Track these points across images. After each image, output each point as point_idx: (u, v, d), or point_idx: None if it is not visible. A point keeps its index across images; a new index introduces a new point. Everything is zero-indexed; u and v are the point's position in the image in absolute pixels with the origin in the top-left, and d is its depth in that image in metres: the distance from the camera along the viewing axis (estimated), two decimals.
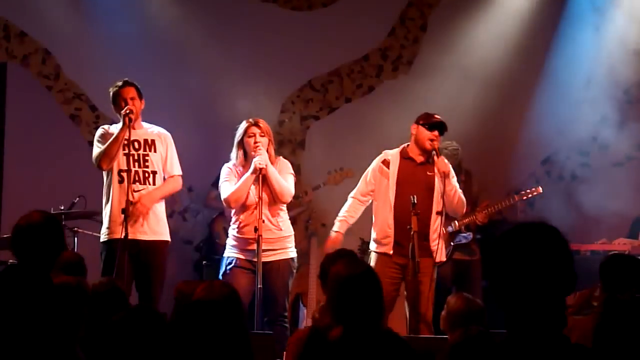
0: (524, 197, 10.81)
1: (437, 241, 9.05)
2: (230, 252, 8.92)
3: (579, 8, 11.80)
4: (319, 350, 5.41)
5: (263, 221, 8.70)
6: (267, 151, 8.84)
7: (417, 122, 9.15)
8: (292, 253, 8.96)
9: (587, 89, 11.70)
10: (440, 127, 9.07)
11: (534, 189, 10.84)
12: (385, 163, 9.17)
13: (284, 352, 6.28)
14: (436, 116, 9.15)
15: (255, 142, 8.77)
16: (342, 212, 9.26)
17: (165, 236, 8.98)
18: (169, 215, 9.17)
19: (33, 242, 5.71)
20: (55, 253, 5.82)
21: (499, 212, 10.71)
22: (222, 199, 8.95)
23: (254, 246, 8.70)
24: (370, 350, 5.18)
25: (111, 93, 8.98)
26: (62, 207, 10.16)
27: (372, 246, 9.11)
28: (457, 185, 9.21)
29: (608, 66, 11.71)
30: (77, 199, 10.11)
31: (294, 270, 9.07)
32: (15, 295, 4.66)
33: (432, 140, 9.04)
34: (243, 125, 8.92)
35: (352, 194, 9.28)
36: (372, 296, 5.36)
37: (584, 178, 11.85)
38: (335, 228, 9.22)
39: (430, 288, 9.00)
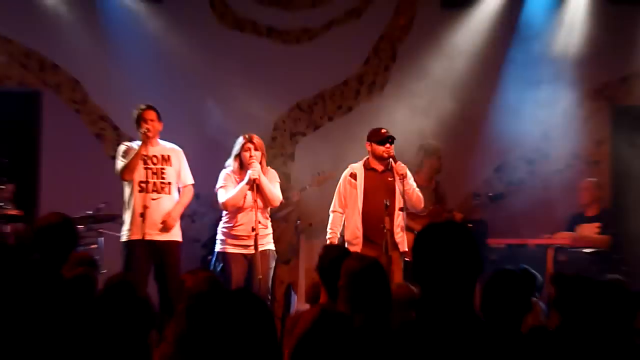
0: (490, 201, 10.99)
1: (400, 233, 9.04)
2: (224, 247, 8.97)
3: (527, 32, 11.72)
4: (331, 331, 5.37)
5: (259, 222, 8.77)
6: (260, 163, 8.89)
7: (369, 140, 9.21)
8: (272, 245, 9.02)
9: (533, 107, 11.62)
10: (388, 139, 9.09)
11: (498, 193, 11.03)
12: (352, 176, 9.17)
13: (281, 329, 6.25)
14: (382, 131, 9.17)
15: (250, 157, 8.83)
16: (329, 226, 9.20)
17: (178, 237, 9.04)
18: (180, 219, 9.20)
19: (51, 238, 5.71)
20: (70, 247, 5.85)
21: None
22: (219, 202, 8.97)
23: (247, 241, 8.81)
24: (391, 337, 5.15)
25: (135, 114, 9.01)
26: (89, 212, 10.21)
27: (345, 245, 8.97)
28: (414, 184, 9.18)
29: (550, 86, 11.66)
30: (102, 204, 10.13)
31: (275, 258, 9.12)
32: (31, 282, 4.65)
33: (385, 151, 9.07)
34: (240, 140, 8.99)
35: (332, 208, 9.23)
36: (385, 283, 5.40)
37: (530, 183, 11.84)
38: (329, 236, 9.14)
39: (400, 277, 8.90)
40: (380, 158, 9.12)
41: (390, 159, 9.07)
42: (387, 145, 9.07)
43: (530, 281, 6.05)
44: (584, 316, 5.41)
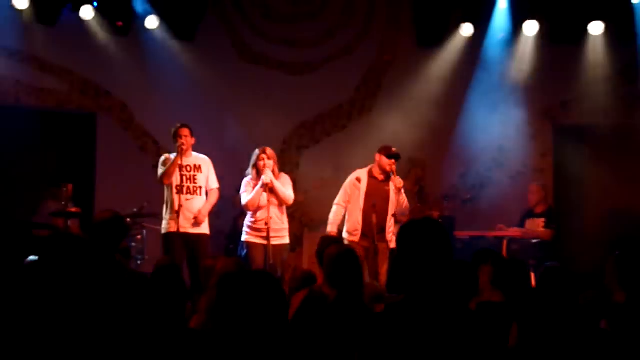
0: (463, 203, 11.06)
1: (390, 235, 8.98)
2: (247, 237, 8.94)
3: (486, 64, 11.70)
4: (316, 307, 5.40)
5: (271, 218, 8.75)
6: (273, 170, 8.87)
7: (379, 152, 9.11)
8: (287, 239, 9.01)
9: (491, 124, 11.60)
10: (395, 156, 9.07)
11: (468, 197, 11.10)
12: (358, 180, 9.09)
13: None
14: (393, 149, 9.10)
15: (264, 165, 8.87)
16: (331, 216, 9.13)
17: (207, 230, 9.01)
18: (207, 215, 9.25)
19: (105, 231, 5.66)
20: (120, 238, 5.80)
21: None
22: (242, 204, 9.00)
23: (264, 233, 8.76)
24: (359, 307, 5.19)
25: (172, 131, 9.06)
26: (135, 210, 10.32)
27: (345, 235, 9.01)
28: (405, 196, 9.14)
29: (505, 108, 11.68)
30: (145, 203, 10.17)
31: (288, 250, 9.13)
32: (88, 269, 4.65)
33: (390, 165, 9.06)
34: (256, 152, 8.96)
35: (336, 201, 9.17)
36: (355, 266, 5.40)
37: (488, 186, 11.76)
38: (329, 229, 9.05)
39: (385, 264, 8.97)
40: (384, 169, 9.07)
41: (391, 173, 9.04)
42: (393, 160, 9.07)
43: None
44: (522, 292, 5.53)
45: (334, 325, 4.93)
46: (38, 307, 3.66)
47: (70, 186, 10.35)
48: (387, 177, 9.09)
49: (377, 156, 9.14)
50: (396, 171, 9.07)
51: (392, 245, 9.00)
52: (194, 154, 9.08)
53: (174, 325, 4.40)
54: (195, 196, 8.97)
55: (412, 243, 3.46)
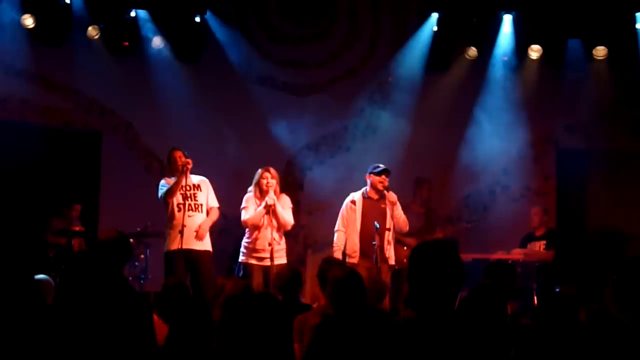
0: (468, 225, 11.03)
1: (389, 248, 9.02)
2: (245, 258, 9.01)
3: (491, 88, 11.74)
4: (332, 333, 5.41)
5: (274, 239, 8.85)
6: (275, 190, 8.99)
7: (369, 173, 9.21)
8: (285, 259, 9.04)
9: (495, 148, 11.61)
10: (384, 172, 9.13)
11: (474, 219, 11.11)
12: (353, 202, 9.18)
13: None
14: (380, 165, 9.19)
15: (267, 184, 8.94)
16: (335, 243, 9.16)
17: (208, 247, 9.06)
18: (210, 234, 9.27)
19: (110, 250, 5.67)
20: (125, 258, 5.81)
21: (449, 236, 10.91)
22: (241, 219, 9.05)
23: (263, 254, 8.85)
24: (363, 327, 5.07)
25: (169, 155, 9.12)
26: (139, 229, 10.36)
27: (346, 258, 9.01)
28: (402, 211, 9.19)
29: (509, 131, 11.69)
30: (149, 223, 10.19)
31: None
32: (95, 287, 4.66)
33: (381, 182, 9.12)
34: (259, 171, 9.09)
35: (336, 228, 9.19)
36: (360, 289, 5.39)
37: (492, 209, 11.83)
38: (335, 255, 8.94)
39: (387, 284, 8.93)
40: (376, 188, 9.14)
41: (384, 190, 9.09)
42: (383, 176, 9.12)
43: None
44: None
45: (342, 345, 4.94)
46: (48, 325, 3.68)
47: (79, 206, 10.41)
48: (382, 195, 9.15)
49: (368, 177, 9.25)
50: (402, 192, 9.11)
51: (391, 261, 9.07)
52: (191, 175, 9.12)
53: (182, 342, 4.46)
54: (197, 213, 9.03)
55: (424, 264, 3.48)
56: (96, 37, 11.25)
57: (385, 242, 9.04)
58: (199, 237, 8.94)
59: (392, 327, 3.41)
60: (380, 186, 9.12)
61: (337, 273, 5.55)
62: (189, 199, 8.98)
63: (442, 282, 3.45)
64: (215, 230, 9.21)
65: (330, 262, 6.92)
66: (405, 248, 9.82)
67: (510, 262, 10.38)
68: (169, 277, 7.03)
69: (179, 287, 5.94)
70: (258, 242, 8.94)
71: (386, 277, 8.96)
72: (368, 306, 5.57)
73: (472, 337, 3.40)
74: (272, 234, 8.83)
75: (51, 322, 3.63)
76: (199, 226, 8.96)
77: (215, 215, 9.19)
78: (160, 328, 5.44)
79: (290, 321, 5.38)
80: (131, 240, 9.58)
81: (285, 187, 10.62)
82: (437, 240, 3.73)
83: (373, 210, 9.14)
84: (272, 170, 9.07)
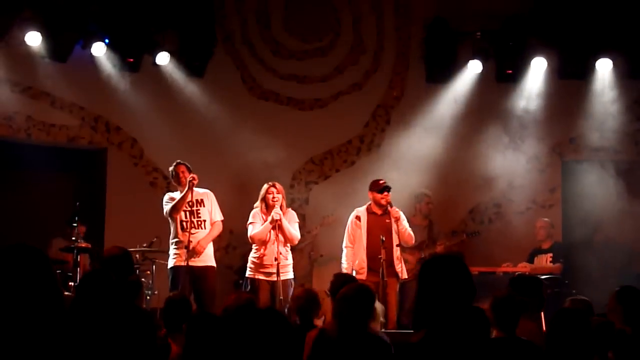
0: (467, 237, 11.00)
1: (399, 264, 9.06)
2: (251, 274, 9.02)
3: (495, 101, 11.74)
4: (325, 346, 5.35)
5: (281, 253, 8.86)
6: (281, 205, 9.00)
7: (370, 190, 9.25)
8: (292, 274, 9.06)
9: (500, 161, 11.65)
10: (386, 188, 9.16)
11: (474, 231, 11.05)
12: (358, 218, 9.24)
13: None
14: (380, 182, 9.22)
15: (273, 199, 8.96)
16: (345, 260, 9.21)
17: (212, 262, 9.10)
18: (216, 250, 9.29)
19: (114, 266, 5.67)
20: (128, 273, 5.83)
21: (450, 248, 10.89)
22: (248, 235, 9.08)
23: (270, 269, 8.86)
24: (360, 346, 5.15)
25: (173, 170, 9.16)
26: (145, 245, 10.36)
27: (354, 273, 8.93)
28: (407, 225, 9.22)
29: (514, 144, 11.75)
30: (154, 239, 10.12)
31: (293, 285, 9.10)
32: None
33: (383, 199, 9.14)
34: (265, 186, 9.11)
35: (344, 245, 9.27)
36: (367, 304, 5.34)
37: (497, 222, 11.85)
38: (345, 272, 8.85)
39: (394, 299, 9.03)
40: (379, 204, 9.18)
41: (387, 206, 9.13)
42: (385, 193, 9.15)
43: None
44: None
45: None
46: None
47: (83, 228, 10.41)
48: (385, 210, 9.17)
49: (370, 194, 9.29)
50: (403, 205, 9.12)
51: (403, 275, 9.13)
52: (195, 189, 9.12)
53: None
54: (200, 230, 9.07)
55: (433, 279, 3.48)
56: (101, 53, 11.24)
57: (395, 259, 9.07)
58: (197, 252, 8.93)
59: (404, 348, 3.39)
60: (383, 202, 9.14)
61: (346, 291, 5.51)
62: (191, 216, 8.99)
63: (453, 297, 3.44)
64: (222, 247, 9.20)
65: (342, 277, 6.88)
66: (405, 263, 9.81)
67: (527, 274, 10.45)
68: (173, 294, 7.03)
69: (181, 302, 5.95)
70: (265, 257, 8.95)
71: (392, 291, 9.01)
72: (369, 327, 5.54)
73: (487, 353, 3.41)
74: (278, 248, 8.83)
75: (65, 337, 3.65)
76: (198, 242, 8.97)
77: (217, 229, 9.22)
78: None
79: (300, 340, 5.38)
80: (137, 256, 9.70)
81: (291, 202, 10.66)
82: (447, 254, 3.74)
83: (378, 225, 9.18)
84: (278, 185, 9.09)
